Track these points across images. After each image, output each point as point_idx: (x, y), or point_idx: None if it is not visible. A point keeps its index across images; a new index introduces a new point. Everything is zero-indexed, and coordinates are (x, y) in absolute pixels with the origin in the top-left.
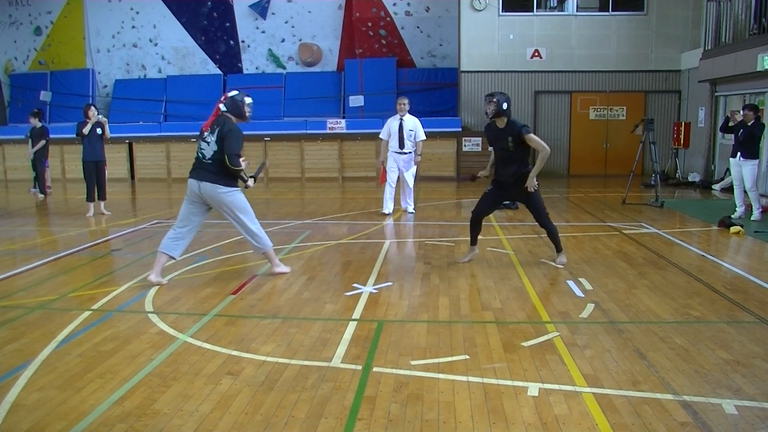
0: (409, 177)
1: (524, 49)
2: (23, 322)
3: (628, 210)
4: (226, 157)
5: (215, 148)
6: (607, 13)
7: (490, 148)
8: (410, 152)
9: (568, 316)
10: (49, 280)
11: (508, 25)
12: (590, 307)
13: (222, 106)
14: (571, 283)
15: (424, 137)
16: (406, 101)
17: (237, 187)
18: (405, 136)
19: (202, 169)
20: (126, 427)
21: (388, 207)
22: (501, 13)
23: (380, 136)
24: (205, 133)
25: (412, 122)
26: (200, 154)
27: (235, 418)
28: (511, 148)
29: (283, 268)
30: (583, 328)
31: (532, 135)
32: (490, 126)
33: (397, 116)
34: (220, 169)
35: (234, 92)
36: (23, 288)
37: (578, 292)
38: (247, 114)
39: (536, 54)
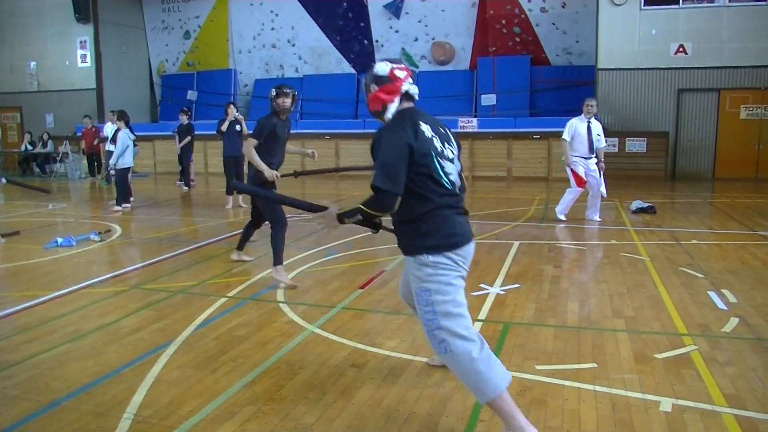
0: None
1: (668, 45)
2: (167, 305)
3: None
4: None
5: (459, 165)
6: (765, 3)
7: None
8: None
9: (708, 329)
10: (191, 266)
11: (651, 20)
12: (734, 321)
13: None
14: (712, 294)
15: (605, 144)
16: (594, 102)
17: None
18: (594, 141)
19: (466, 215)
20: (254, 410)
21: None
22: (643, 7)
23: (564, 137)
24: (444, 146)
25: (598, 127)
26: (448, 181)
27: (357, 409)
28: (287, 136)
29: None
30: (725, 343)
31: None
32: (278, 122)
33: (584, 118)
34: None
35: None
36: (167, 273)
37: (721, 305)
38: None
39: (681, 49)
